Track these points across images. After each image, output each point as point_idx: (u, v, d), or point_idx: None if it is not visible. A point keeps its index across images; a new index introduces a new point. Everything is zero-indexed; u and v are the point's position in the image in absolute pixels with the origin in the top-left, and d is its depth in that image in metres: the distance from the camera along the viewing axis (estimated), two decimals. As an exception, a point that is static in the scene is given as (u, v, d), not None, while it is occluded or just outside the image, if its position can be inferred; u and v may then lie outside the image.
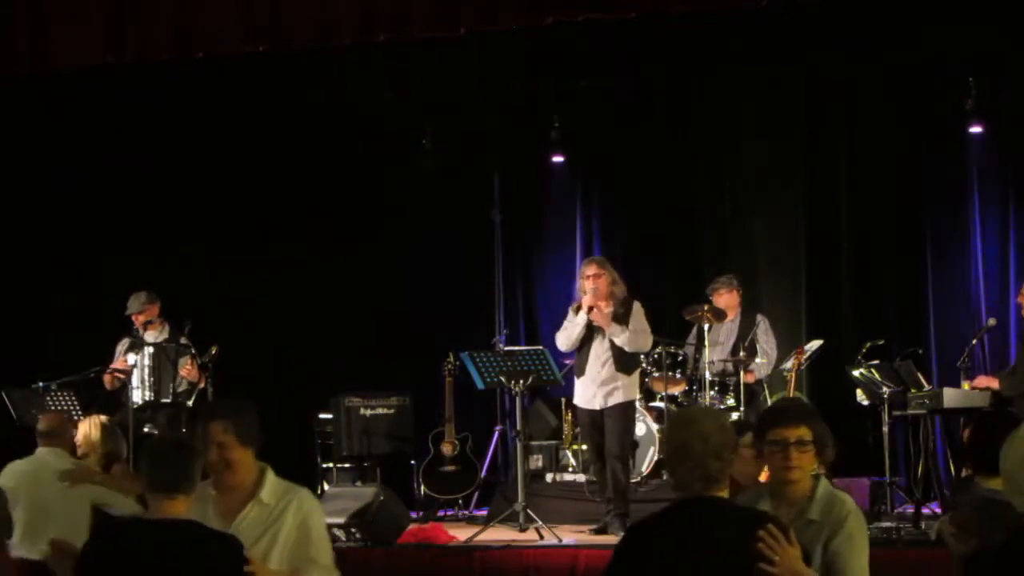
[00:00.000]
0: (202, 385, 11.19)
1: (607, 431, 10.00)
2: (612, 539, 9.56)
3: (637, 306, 10.20)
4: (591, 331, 10.16)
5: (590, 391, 10.14)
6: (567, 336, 10.24)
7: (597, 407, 10.09)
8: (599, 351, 10.13)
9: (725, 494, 4.45)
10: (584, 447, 11.29)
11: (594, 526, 10.10)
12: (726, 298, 11.61)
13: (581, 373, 10.22)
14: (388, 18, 9.88)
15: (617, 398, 10.06)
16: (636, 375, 10.32)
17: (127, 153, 12.87)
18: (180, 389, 11.20)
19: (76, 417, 10.96)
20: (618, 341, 10.07)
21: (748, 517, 4.43)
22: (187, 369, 11.15)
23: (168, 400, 11.14)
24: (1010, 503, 4.58)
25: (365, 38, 10.02)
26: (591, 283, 10.12)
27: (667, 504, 4.52)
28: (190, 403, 11.26)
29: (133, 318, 11.38)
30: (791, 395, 10.88)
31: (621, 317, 10.12)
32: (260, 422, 5.22)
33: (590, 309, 10.11)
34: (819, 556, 4.91)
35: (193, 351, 11.14)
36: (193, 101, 12.52)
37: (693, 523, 4.35)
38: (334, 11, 9.92)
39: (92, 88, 11.90)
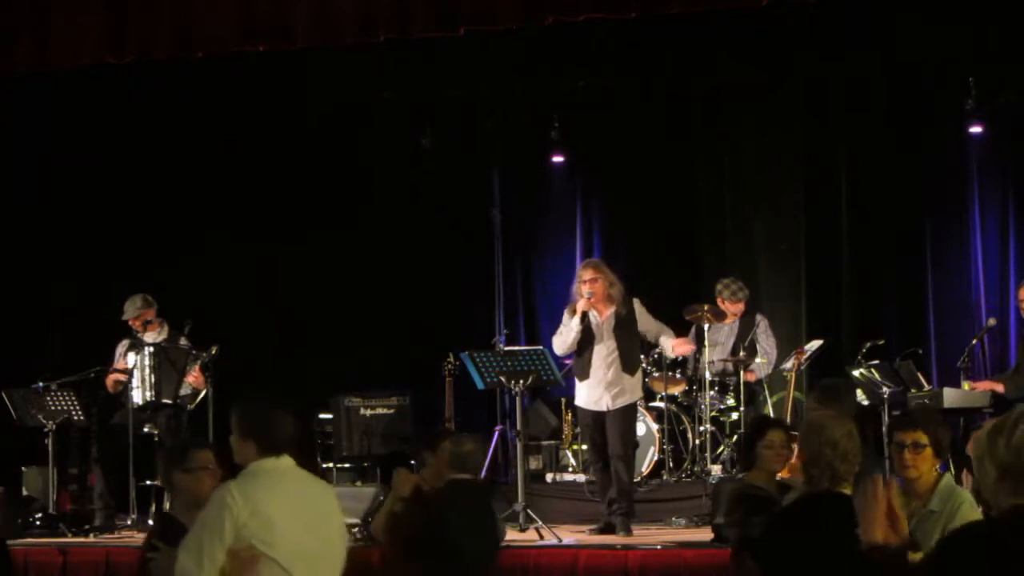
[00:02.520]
0: (204, 390, 11.16)
1: (610, 432, 9.97)
2: (613, 539, 9.58)
3: (639, 304, 10.18)
4: (591, 334, 10.12)
5: (596, 393, 10.08)
6: (563, 341, 10.19)
7: (603, 408, 10.05)
8: (603, 353, 10.07)
9: (849, 491, 5.26)
10: (584, 447, 11.28)
11: (594, 526, 10.09)
12: (738, 307, 11.60)
13: (585, 376, 10.14)
14: (388, 18, 9.87)
15: (623, 400, 10.03)
16: (639, 375, 10.32)
17: (127, 154, 12.88)
18: (184, 392, 11.18)
19: (76, 417, 11.00)
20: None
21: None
22: (194, 376, 11.13)
23: (169, 401, 11.12)
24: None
25: (365, 38, 10.02)
26: (588, 287, 10.07)
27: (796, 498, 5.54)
28: (191, 406, 11.25)
29: (131, 322, 11.37)
30: (791, 395, 10.88)
31: (625, 319, 10.09)
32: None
33: (584, 316, 10.07)
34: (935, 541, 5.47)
35: (203, 357, 11.10)
36: (193, 101, 12.52)
37: (819, 513, 5.25)
38: (334, 11, 9.92)
39: (91, 87, 11.91)
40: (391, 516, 7.34)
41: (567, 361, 10.90)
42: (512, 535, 9.65)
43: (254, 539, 4.96)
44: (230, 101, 12.55)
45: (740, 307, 11.63)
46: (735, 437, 11.35)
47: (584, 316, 10.06)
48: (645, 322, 10.13)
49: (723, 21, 11.04)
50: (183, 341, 11.27)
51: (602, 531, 9.91)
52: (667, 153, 13.03)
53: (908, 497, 5.59)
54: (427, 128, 13.02)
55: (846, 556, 4.92)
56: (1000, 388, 10.16)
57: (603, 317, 10.11)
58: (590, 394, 10.11)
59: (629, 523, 9.87)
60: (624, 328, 10.07)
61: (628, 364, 10.05)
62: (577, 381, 10.28)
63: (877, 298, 12.59)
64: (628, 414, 10.09)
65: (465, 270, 13.42)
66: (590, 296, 10.04)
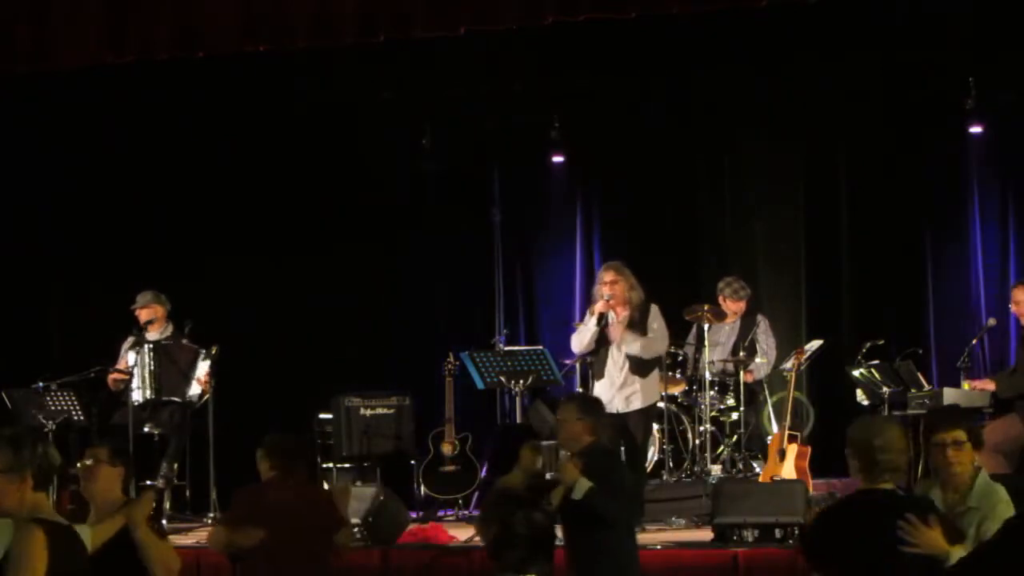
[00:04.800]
0: (208, 394, 11.14)
1: (631, 435, 10.04)
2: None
3: (655, 310, 10.24)
4: (607, 335, 10.18)
5: (608, 394, 10.14)
6: (580, 339, 10.30)
7: (617, 410, 10.10)
8: (616, 355, 10.16)
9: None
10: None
11: None
12: (739, 306, 11.61)
13: (600, 376, 10.24)
14: (388, 18, 9.87)
15: (636, 403, 10.12)
16: (655, 376, 10.35)
17: (127, 153, 12.88)
18: (192, 392, 11.16)
19: (76, 417, 10.99)
20: (630, 351, 10.08)
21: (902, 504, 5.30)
22: (205, 378, 11.10)
23: (178, 400, 11.09)
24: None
25: (365, 38, 10.02)
26: (608, 289, 10.15)
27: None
28: (197, 406, 11.22)
29: (137, 313, 11.36)
30: (791, 395, 10.87)
31: (637, 323, 10.14)
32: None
33: (601, 317, 10.12)
34: (972, 537, 5.80)
35: (211, 356, 11.07)
36: (193, 101, 12.52)
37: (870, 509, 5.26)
38: (334, 11, 9.92)
39: (92, 87, 11.90)
40: None
41: (567, 361, 10.92)
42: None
43: None
44: (230, 101, 12.54)
45: (741, 306, 11.63)
46: (735, 437, 11.36)
47: (602, 317, 10.13)
48: (651, 327, 10.15)
49: (723, 21, 11.04)
50: (184, 342, 11.25)
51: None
52: (667, 153, 13.03)
53: (943, 491, 6.09)
54: (427, 128, 13.02)
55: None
56: (992, 387, 10.18)
57: (619, 319, 10.18)
58: (604, 394, 10.16)
59: (641, 521, 9.92)
60: (635, 332, 10.13)
61: (638, 367, 10.11)
62: (594, 380, 10.31)
63: (877, 298, 12.58)
64: (643, 418, 10.22)
65: (465, 270, 13.41)
66: (609, 298, 10.11)
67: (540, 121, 12.85)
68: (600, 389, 10.21)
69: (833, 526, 5.41)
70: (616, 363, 10.14)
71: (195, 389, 11.15)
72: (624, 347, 10.13)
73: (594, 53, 11.99)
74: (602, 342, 10.20)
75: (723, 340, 11.62)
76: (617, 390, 10.11)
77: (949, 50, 11.68)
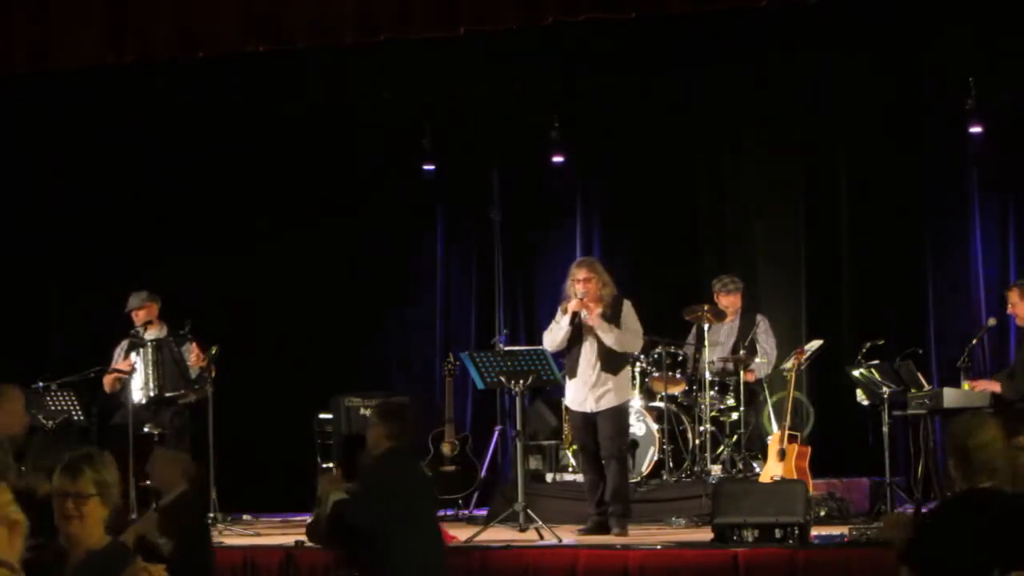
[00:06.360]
0: (207, 368, 11.09)
1: (601, 434, 9.95)
2: (613, 539, 9.57)
3: (628, 305, 10.11)
4: (580, 333, 10.07)
5: (581, 393, 10.06)
6: (552, 338, 10.15)
7: (589, 410, 10.02)
8: (589, 354, 10.02)
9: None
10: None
11: (583, 526, 10.05)
12: (731, 299, 11.61)
13: (572, 375, 10.12)
14: (388, 18, 9.87)
15: (609, 400, 9.97)
16: (626, 374, 10.23)
17: (127, 154, 12.89)
18: (195, 377, 11.15)
19: (76, 417, 10.99)
20: (607, 341, 9.98)
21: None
22: (194, 357, 11.09)
23: (176, 396, 11.08)
24: None
25: (365, 38, 10.02)
26: (581, 287, 10.02)
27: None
28: (211, 389, 11.18)
29: (133, 315, 11.35)
30: (791, 395, 10.87)
31: (610, 318, 10.05)
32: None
33: (574, 316, 10.03)
34: None
35: (191, 336, 11.07)
36: (192, 100, 12.53)
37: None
38: (334, 11, 9.92)
39: (92, 87, 11.91)
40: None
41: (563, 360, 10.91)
42: (512, 535, 9.67)
43: None
44: (230, 101, 12.55)
45: (735, 299, 11.61)
46: (735, 437, 11.37)
47: (575, 315, 10.04)
48: (625, 323, 10.06)
49: (723, 21, 11.04)
50: (188, 337, 11.24)
51: (590, 531, 9.89)
52: (667, 153, 13.03)
53: None
54: (427, 128, 13.03)
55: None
56: (998, 388, 10.18)
57: (592, 316, 10.09)
58: (576, 394, 10.10)
59: (626, 523, 9.86)
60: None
61: (609, 364, 9.98)
62: (566, 379, 10.24)
63: (877, 298, 12.58)
64: (617, 415, 10.02)
65: (465, 270, 13.42)
66: (583, 296, 10.02)
67: (540, 121, 12.85)
68: (572, 388, 10.11)
69: (939, 531, 5.36)
70: (589, 362, 10.02)
71: (193, 372, 11.12)
72: (600, 336, 10.01)
73: (594, 53, 12.00)
74: (575, 341, 10.12)
75: (723, 340, 11.62)
76: (589, 389, 9.99)
77: (949, 50, 11.68)
